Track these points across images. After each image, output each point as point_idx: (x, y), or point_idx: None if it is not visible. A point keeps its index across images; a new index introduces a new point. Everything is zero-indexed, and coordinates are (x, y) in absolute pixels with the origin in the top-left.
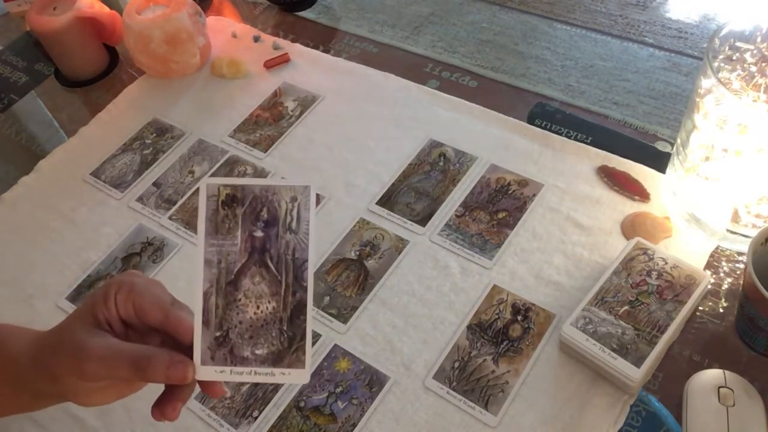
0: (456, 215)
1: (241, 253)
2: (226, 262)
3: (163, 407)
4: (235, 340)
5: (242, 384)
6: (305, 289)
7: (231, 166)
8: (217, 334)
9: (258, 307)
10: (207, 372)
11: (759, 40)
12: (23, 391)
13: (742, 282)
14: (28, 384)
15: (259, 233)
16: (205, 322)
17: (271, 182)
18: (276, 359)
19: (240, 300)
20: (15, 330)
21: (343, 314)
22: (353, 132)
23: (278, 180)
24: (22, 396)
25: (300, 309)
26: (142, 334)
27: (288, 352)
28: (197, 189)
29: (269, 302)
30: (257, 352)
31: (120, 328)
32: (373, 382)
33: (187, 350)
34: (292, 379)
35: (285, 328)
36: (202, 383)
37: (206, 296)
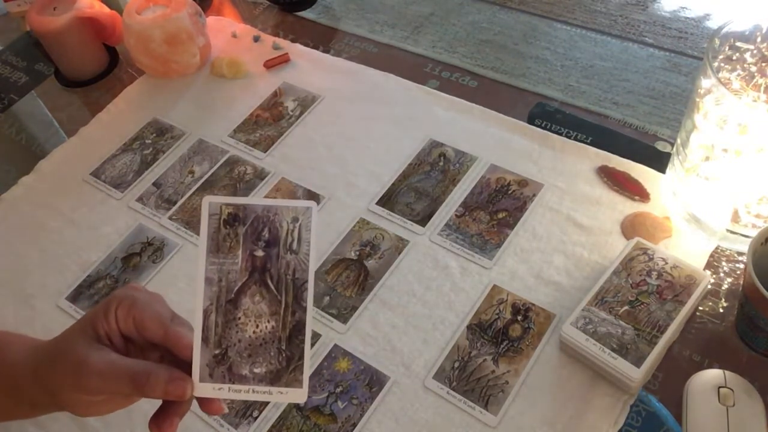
0: (456, 215)
1: (242, 272)
2: (227, 281)
3: (160, 422)
4: (233, 358)
5: None
6: (305, 310)
7: (231, 166)
8: (216, 351)
9: (257, 326)
10: (205, 389)
11: (759, 40)
12: (22, 401)
13: (742, 282)
14: (27, 394)
15: (260, 253)
16: (205, 340)
17: (273, 202)
18: (274, 378)
19: (239, 318)
20: (14, 338)
21: (343, 314)
22: (353, 132)
23: (280, 200)
24: (21, 405)
25: (299, 329)
26: (141, 349)
27: (286, 371)
28: (197, 189)
29: (268, 321)
30: (255, 370)
31: (120, 342)
32: (373, 382)
33: (186, 366)
34: (290, 398)
35: (284, 347)
36: (200, 400)
37: (206, 314)
